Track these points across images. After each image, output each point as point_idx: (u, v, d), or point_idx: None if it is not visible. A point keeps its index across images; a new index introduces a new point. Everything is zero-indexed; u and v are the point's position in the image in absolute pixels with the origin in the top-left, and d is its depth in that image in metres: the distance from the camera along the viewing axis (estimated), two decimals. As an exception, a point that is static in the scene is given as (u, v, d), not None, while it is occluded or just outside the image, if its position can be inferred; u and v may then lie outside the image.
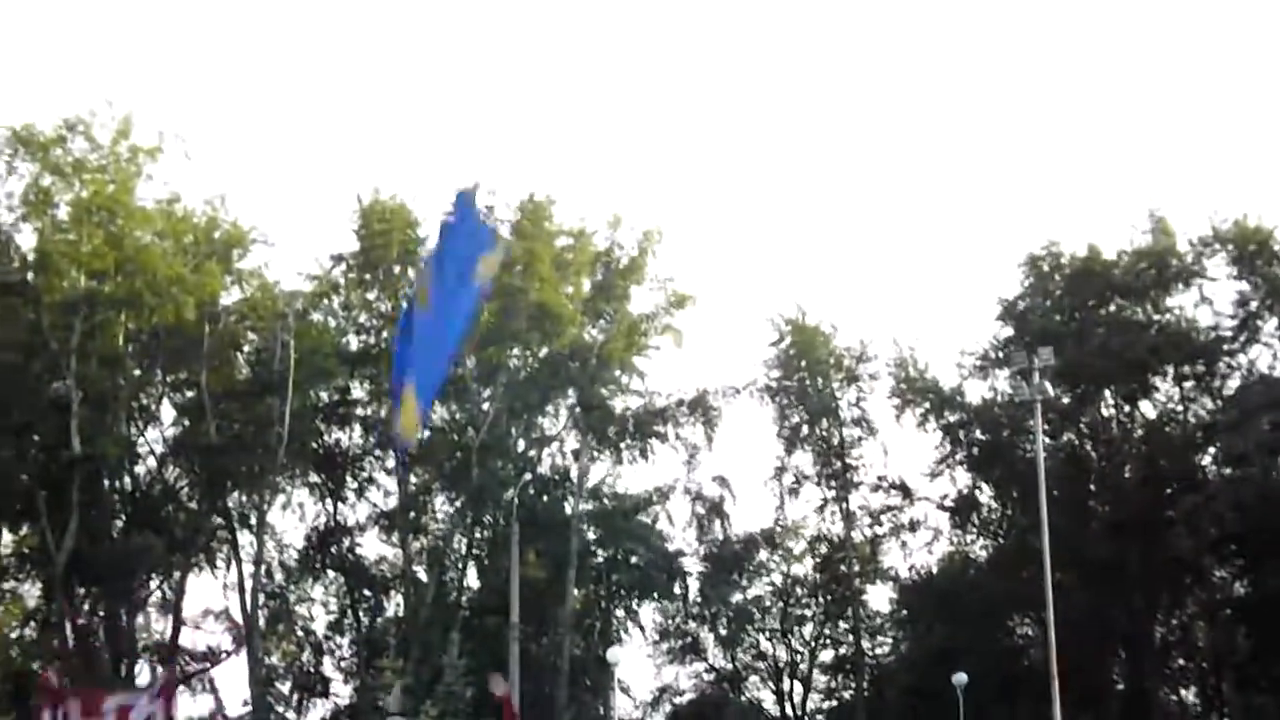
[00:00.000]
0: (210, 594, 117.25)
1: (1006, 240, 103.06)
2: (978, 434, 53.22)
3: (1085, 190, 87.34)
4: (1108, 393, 51.36)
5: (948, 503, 54.80)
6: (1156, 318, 51.41)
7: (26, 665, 53.72)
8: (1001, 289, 53.60)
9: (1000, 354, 51.94)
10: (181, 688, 52.84)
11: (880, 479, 56.40)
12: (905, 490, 56.09)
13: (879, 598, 58.26)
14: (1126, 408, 51.85)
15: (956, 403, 53.81)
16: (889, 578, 56.90)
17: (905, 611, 55.26)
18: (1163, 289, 51.08)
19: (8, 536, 51.54)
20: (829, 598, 57.74)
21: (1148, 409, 52.17)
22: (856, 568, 56.25)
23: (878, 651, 57.20)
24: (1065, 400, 50.75)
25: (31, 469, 46.65)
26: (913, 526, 56.26)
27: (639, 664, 76.12)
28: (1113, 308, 51.78)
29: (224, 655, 55.64)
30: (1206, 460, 51.07)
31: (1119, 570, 46.83)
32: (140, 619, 52.70)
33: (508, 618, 46.14)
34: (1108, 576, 46.87)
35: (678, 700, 59.41)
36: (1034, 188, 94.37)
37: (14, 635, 55.03)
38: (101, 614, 50.33)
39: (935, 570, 55.29)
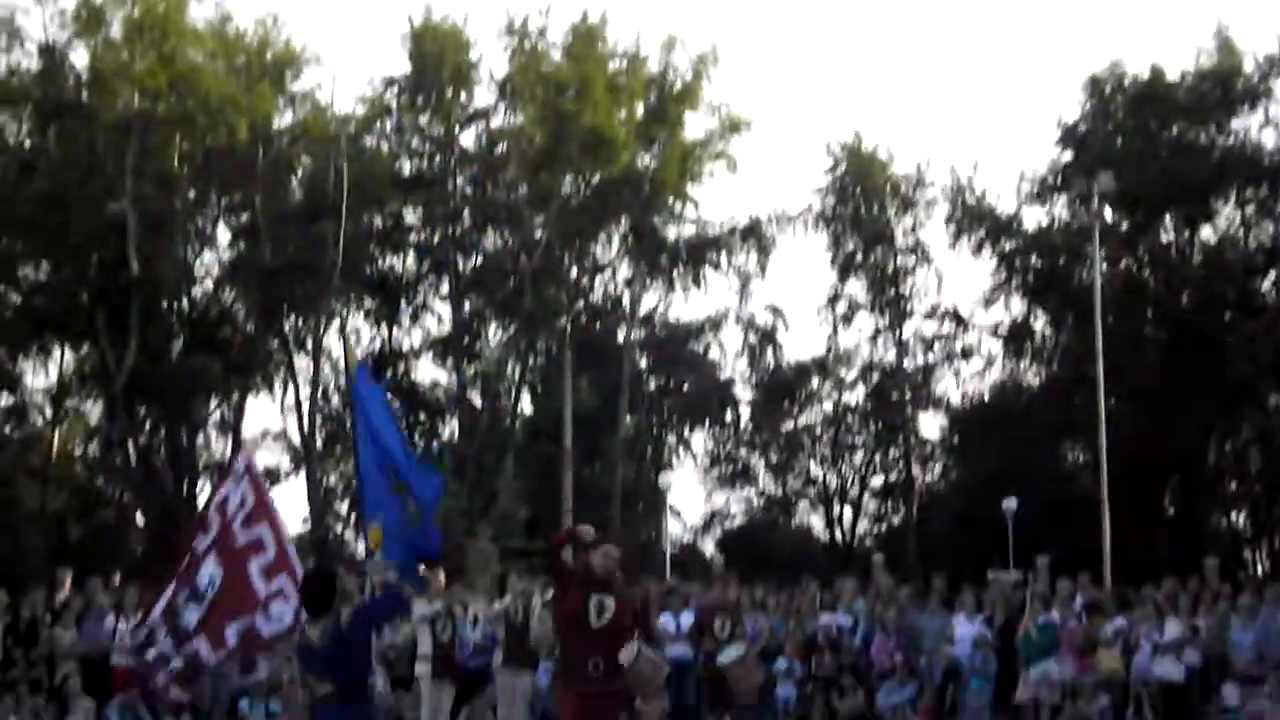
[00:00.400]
0: (268, 416, 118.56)
1: (1067, 62, 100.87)
2: (1034, 260, 52.59)
3: (1149, 9, 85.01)
4: (1168, 217, 50.46)
5: (1001, 330, 54.55)
6: (1220, 140, 50.37)
7: (92, 482, 54.90)
8: (1061, 112, 52.71)
9: (1059, 179, 51.32)
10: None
11: (934, 307, 56.16)
12: (959, 318, 55.83)
13: (930, 425, 58.53)
14: (1186, 232, 51.11)
15: (1013, 229, 53.18)
16: (940, 405, 57.01)
17: (956, 438, 55.29)
18: (1227, 111, 49.88)
19: (69, 355, 52.25)
20: (880, 425, 57.77)
21: (1208, 234, 51.33)
22: (908, 395, 56.24)
23: (928, 478, 57.51)
24: (1124, 225, 50.09)
25: (90, 289, 47.01)
26: (965, 354, 56.09)
27: (690, 489, 76.99)
28: (1175, 130, 50.69)
29: (283, 476, 56.66)
30: (1266, 285, 50.37)
31: (1174, 396, 46.54)
32: (200, 439, 53.59)
33: (561, 443, 46.49)
34: (1162, 403, 46.56)
35: (728, 524, 60.15)
36: (1096, 6, 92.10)
37: (78, 452, 56.14)
38: (163, 433, 51.12)
39: (987, 398, 55.29)
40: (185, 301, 51.65)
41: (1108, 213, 44.53)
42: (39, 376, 52.87)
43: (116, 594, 20.92)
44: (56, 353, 51.78)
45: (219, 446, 55.03)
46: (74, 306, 47.16)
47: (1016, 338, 54.41)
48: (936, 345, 56.55)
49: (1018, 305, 54.07)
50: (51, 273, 48.79)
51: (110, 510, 54.25)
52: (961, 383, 57.84)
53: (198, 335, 50.55)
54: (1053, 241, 51.95)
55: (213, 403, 52.59)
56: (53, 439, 53.14)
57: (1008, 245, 53.22)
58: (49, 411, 53.51)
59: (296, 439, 53.28)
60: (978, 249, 53.67)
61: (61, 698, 18.11)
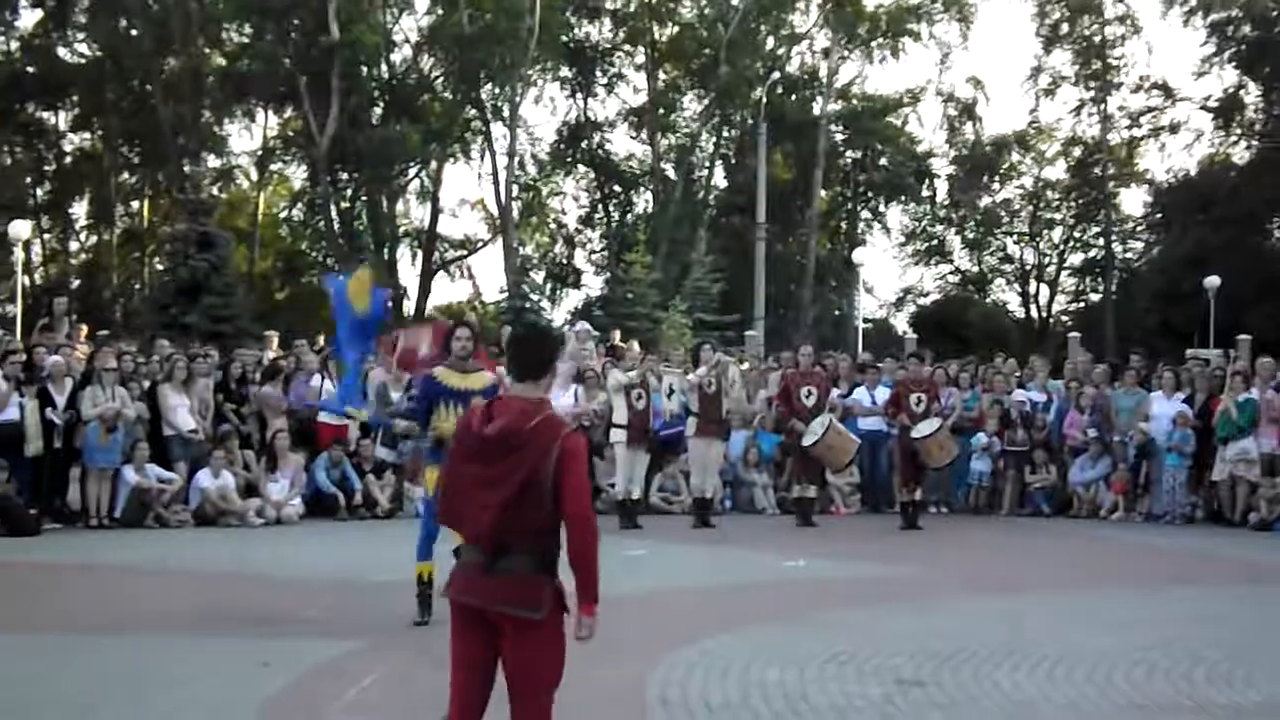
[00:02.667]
0: (466, 185, 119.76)
1: None
2: (1247, 30, 50.61)
3: None
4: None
5: (1211, 103, 52.75)
6: None
7: (296, 245, 56.35)
8: None
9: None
10: (440, 274, 54.95)
11: (1142, 79, 54.45)
12: (1167, 91, 54.05)
13: (1132, 201, 57.20)
14: None
15: (1226, -2, 51.17)
16: (1144, 181, 55.57)
17: (1159, 215, 53.97)
18: None
19: (273, 119, 53.28)
20: (1081, 201, 56.68)
21: None
22: (1111, 170, 54.94)
23: (1128, 255, 56.41)
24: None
25: (292, 53, 47.63)
26: (1173, 128, 54.48)
27: (884, 265, 76.40)
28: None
29: (480, 244, 57.53)
30: None
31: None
32: (400, 205, 54.58)
33: (754, 217, 46.36)
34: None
35: (922, 301, 59.83)
36: None
37: (283, 216, 57.54)
38: (363, 199, 52.08)
39: (1193, 172, 53.73)
40: (384, 68, 52.11)
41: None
42: (244, 140, 53.93)
43: (322, 355, 21.53)
44: (260, 117, 52.88)
45: (419, 213, 56.12)
46: (276, 71, 47.83)
47: (1226, 111, 52.60)
48: (1143, 119, 54.90)
49: (1229, 77, 52.23)
50: (254, 36, 49.47)
51: (314, 273, 55.73)
52: (1167, 157, 55.93)
53: (397, 102, 51.13)
54: (1266, 10, 49.76)
55: (412, 170, 53.35)
56: (258, 202, 54.53)
57: (1219, 14, 51.11)
58: (254, 175, 54.82)
59: (494, 207, 53.84)
60: (1188, 19, 51.71)
61: (271, 453, 18.76)
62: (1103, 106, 54.68)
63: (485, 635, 5.55)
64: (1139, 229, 55.90)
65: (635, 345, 24.33)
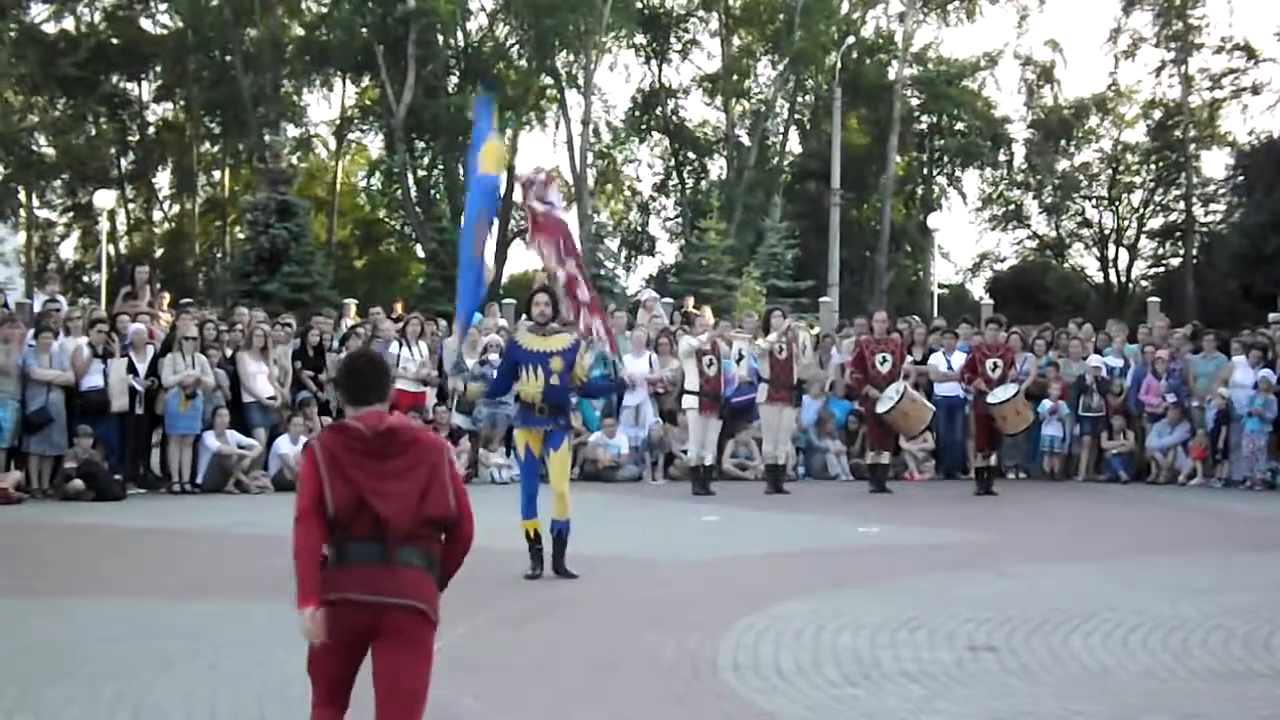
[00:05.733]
0: (541, 152, 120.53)
1: None
2: (1332, -11, 49.90)
3: None
4: None
5: (1293, 63, 51.99)
6: None
7: (373, 214, 56.74)
8: None
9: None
10: (515, 242, 55.16)
11: (1224, 40, 53.53)
12: (1250, 51, 53.14)
13: (1214, 163, 56.46)
14: None
15: (1312, -45, 50.41)
16: (1226, 143, 54.64)
17: (1242, 177, 53.16)
18: None
19: (350, 89, 53.54)
20: (1161, 164, 55.91)
21: None
22: (1192, 133, 54.19)
23: (1209, 219, 55.63)
24: None
25: (369, 23, 47.87)
26: (1256, 89, 53.52)
27: (960, 231, 75.85)
28: None
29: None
30: None
31: None
32: (476, 174, 54.62)
33: (829, 183, 46.19)
34: None
35: (998, 267, 59.26)
36: None
37: (361, 184, 57.92)
38: (440, 167, 52.26)
39: (1276, 135, 52.86)
40: (460, 36, 52.19)
41: None
42: (322, 109, 53.98)
43: (399, 322, 21.69)
44: (338, 86, 53.13)
45: (495, 181, 56.15)
46: (353, 41, 48.08)
47: (1310, 72, 51.82)
48: (1225, 81, 54.10)
49: (1313, 36, 51.31)
50: (332, 6, 49.74)
51: (391, 241, 56.09)
52: (1249, 119, 54.91)
53: (472, 70, 51.22)
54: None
55: (488, 138, 53.35)
56: (337, 171, 54.89)
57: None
58: (332, 144, 55.13)
59: (569, 175, 53.92)
60: (1272, -22, 50.94)
61: (348, 420, 18.88)
62: (1183, 68, 53.89)
63: (361, 649, 5.36)
64: (1220, 192, 54.95)
65: (708, 312, 24.30)
